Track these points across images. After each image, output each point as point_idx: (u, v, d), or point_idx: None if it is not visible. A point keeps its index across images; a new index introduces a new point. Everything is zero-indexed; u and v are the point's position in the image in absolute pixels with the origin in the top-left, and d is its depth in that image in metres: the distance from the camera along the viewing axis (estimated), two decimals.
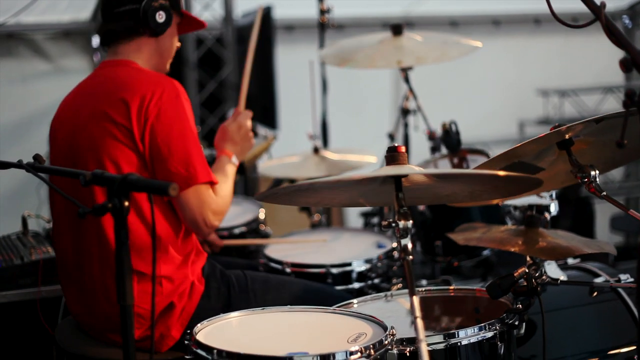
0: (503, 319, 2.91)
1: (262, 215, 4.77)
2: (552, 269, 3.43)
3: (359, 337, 2.73)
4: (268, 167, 5.21)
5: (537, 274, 3.08)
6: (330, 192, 2.83)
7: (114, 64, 3.44)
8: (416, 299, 2.44)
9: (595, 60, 9.20)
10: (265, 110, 7.46)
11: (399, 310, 3.21)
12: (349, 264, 3.97)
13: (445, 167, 4.55)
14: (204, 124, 7.66)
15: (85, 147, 3.28)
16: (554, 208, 3.49)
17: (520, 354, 3.19)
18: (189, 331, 2.79)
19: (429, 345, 2.74)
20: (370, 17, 8.39)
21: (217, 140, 3.76)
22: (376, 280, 4.00)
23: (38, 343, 3.89)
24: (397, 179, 2.63)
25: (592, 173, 2.87)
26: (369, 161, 4.87)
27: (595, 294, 3.27)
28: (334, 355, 2.55)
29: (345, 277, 3.95)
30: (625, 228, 7.64)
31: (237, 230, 4.64)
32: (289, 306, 3.08)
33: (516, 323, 2.94)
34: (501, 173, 2.57)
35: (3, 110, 7.29)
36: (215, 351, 2.61)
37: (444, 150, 4.62)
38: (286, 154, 5.12)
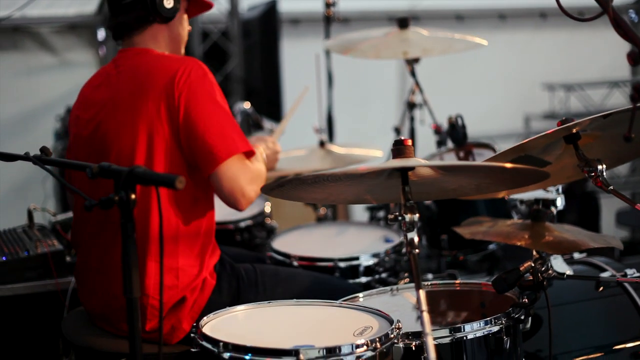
0: (509, 313, 2.90)
1: (267, 209, 4.78)
2: (558, 263, 3.43)
3: (365, 330, 2.74)
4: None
5: (543, 268, 3.07)
6: (336, 188, 2.83)
7: (134, 52, 3.45)
8: (422, 293, 2.44)
9: (602, 55, 9.20)
10: (270, 104, 7.46)
11: (404, 304, 3.21)
12: (357, 258, 3.97)
13: (451, 160, 4.54)
14: None
15: (115, 135, 3.30)
16: (560, 202, 3.48)
17: (526, 349, 3.18)
18: (195, 324, 2.79)
19: (434, 339, 2.73)
20: (375, 10, 8.39)
21: (252, 141, 3.78)
22: (383, 275, 4.00)
23: (44, 335, 3.89)
24: (403, 172, 2.63)
25: (599, 167, 2.86)
26: (374, 155, 4.86)
27: (601, 288, 3.27)
28: (339, 348, 2.55)
29: (353, 271, 3.95)
30: (631, 223, 7.62)
31: (242, 224, 4.65)
32: (295, 300, 3.08)
33: (522, 317, 2.93)
34: (508, 165, 2.57)
35: (9, 103, 7.30)
36: (221, 344, 2.61)
37: (450, 144, 4.61)
38: (292, 148, 5.12)
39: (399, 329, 2.71)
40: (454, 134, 4.44)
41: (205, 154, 3.24)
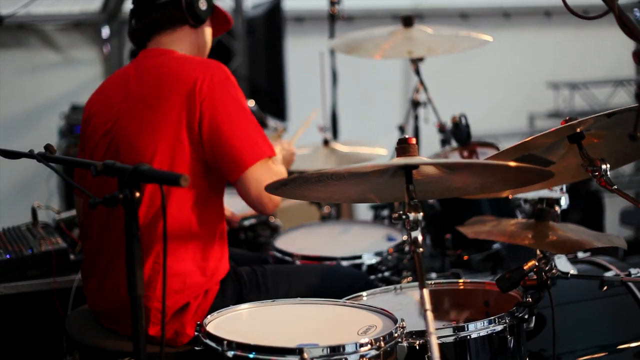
0: (513, 312, 2.90)
1: None
2: (562, 263, 3.42)
3: (369, 329, 2.74)
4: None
5: (547, 268, 3.07)
6: (340, 187, 2.82)
7: (156, 53, 3.46)
8: (426, 292, 2.44)
9: (606, 53, 9.19)
10: (275, 102, 7.46)
11: (408, 303, 3.21)
12: (360, 257, 3.97)
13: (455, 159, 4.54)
14: None
15: (132, 137, 3.30)
16: (564, 201, 3.47)
17: (529, 348, 3.18)
18: (199, 322, 2.79)
19: (438, 338, 2.74)
20: (380, 8, 8.39)
21: None
22: (386, 273, 4.00)
23: (48, 334, 3.89)
24: (407, 171, 2.63)
25: (603, 167, 2.85)
26: (379, 153, 4.86)
27: (605, 288, 3.26)
28: (343, 347, 2.55)
29: (356, 269, 3.95)
30: (635, 222, 7.61)
31: (246, 222, 4.65)
32: (299, 298, 3.08)
33: (526, 316, 2.93)
34: (512, 164, 2.56)
35: (13, 101, 7.31)
36: (225, 342, 2.61)
37: (454, 143, 4.60)
38: (296, 146, 5.12)
39: (403, 327, 2.71)
40: (458, 132, 4.44)
41: (231, 160, 3.25)
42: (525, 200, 3.94)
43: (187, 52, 3.50)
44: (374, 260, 3.98)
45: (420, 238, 2.52)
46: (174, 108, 3.25)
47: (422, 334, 2.75)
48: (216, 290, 3.35)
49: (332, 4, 5.63)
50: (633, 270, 3.31)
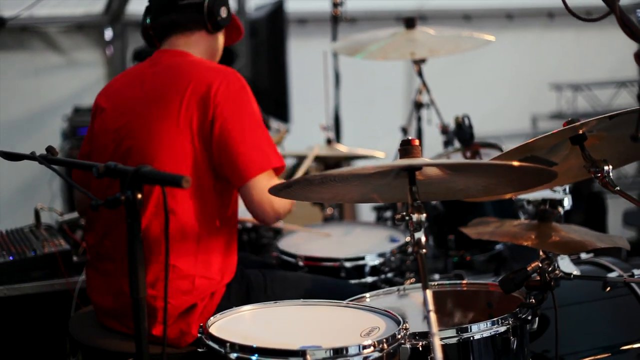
0: (516, 313, 2.90)
1: None
2: (565, 264, 3.43)
3: (372, 331, 2.73)
4: None
5: (550, 269, 3.06)
6: (343, 188, 2.82)
7: (172, 54, 3.47)
8: (429, 293, 2.43)
9: (609, 55, 9.18)
10: (277, 104, 7.45)
11: (411, 305, 3.21)
12: (362, 258, 3.97)
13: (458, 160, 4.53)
14: None
15: (142, 133, 3.31)
16: (567, 202, 3.47)
17: (532, 349, 3.18)
18: (201, 324, 2.79)
19: (441, 339, 2.73)
20: (383, 10, 8.39)
21: None
22: (389, 275, 4.00)
23: (51, 335, 3.89)
24: (411, 172, 2.63)
25: (606, 168, 2.85)
26: (380, 155, 4.86)
27: (608, 289, 3.26)
28: (346, 349, 2.55)
29: (359, 271, 3.95)
30: (638, 223, 7.60)
31: (249, 224, 4.65)
32: (301, 300, 3.08)
33: (529, 318, 2.93)
34: (515, 163, 2.56)
35: (16, 103, 7.31)
36: (227, 344, 2.61)
37: (456, 144, 4.60)
38: (299, 147, 5.12)
39: (406, 329, 2.71)
40: (460, 134, 4.44)
41: (237, 167, 3.27)
42: (528, 202, 3.94)
43: (200, 56, 3.51)
44: (376, 261, 3.98)
45: (423, 239, 2.52)
46: (187, 110, 3.26)
47: (425, 336, 2.75)
48: (223, 292, 3.36)
49: (335, 5, 5.63)
50: (636, 271, 3.31)
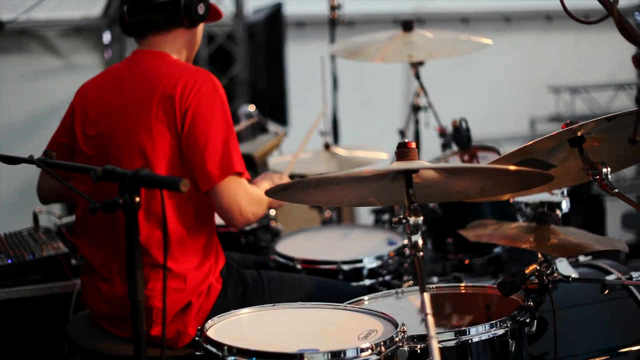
0: (514, 316, 2.90)
1: (273, 212, 4.76)
2: (563, 266, 3.42)
3: (370, 334, 2.73)
4: (279, 163, 5.19)
5: (549, 271, 3.06)
6: (340, 191, 2.83)
7: (150, 55, 3.46)
8: (427, 296, 2.43)
9: (607, 57, 9.18)
10: (275, 107, 7.46)
11: (409, 308, 3.20)
12: (360, 261, 3.97)
13: (455, 163, 4.53)
14: None
15: (120, 138, 3.31)
16: (565, 205, 3.47)
17: (531, 352, 3.18)
18: (199, 327, 2.79)
19: (439, 342, 2.73)
20: (380, 13, 8.39)
21: (257, 179, 3.78)
22: (387, 277, 4.00)
23: (50, 338, 3.89)
24: (407, 175, 2.63)
25: (604, 170, 2.85)
26: (380, 157, 4.85)
27: (606, 291, 3.26)
28: (344, 352, 2.56)
29: (357, 273, 3.95)
30: (636, 226, 7.61)
31: (247, 227, 4.64)
32: (299, 302, 3.08)
33: (527, 320, 2.93)
34: (512, 167, 2.57)
35: (14, 106, 7.31)
36: (225, 347, 2.61)
37: (454, 147, 4.60)
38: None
39: (404, 332, 2.71)
40: (458, 137, 4.44)
41: (203, 171, 3.26)
42: (527, 204, 3.93)
43: (180, 52, 3.50)
44: (374, 264, 3.98)
45: (420, 242, 2.52)
46: (159, 112, 3.26)
47: (423, 338, 2.75)
48: (218, 290, 3.36)
49: (333, 9, 5.64)
50: (634, 274, 3.31)
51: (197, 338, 2.76)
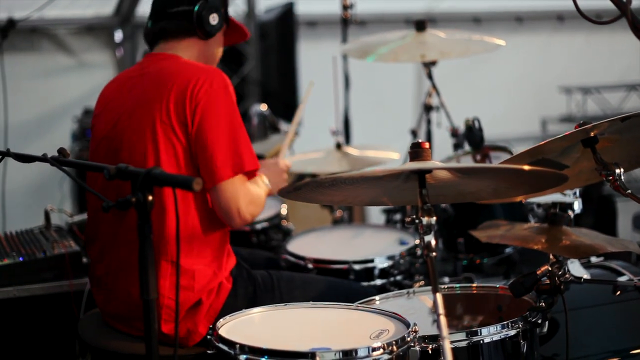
0: (526, 317, 2.90)
1: (284, 211, 4.77)
2: (575, 267, 3.42)
3: (382, 333, 2.73)
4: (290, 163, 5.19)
5: (561, 272, 3.06)
6: (353, 190, 2.82)
7: (161, 57, 3.48)
8: (439, 296, 2.43)
9: (619, 58, 9.17)
10: (287, 106, 7.46)
11: (421, 308, 3.20)
12: (372, 261, 3.97)
13: (468, 163, 4.52)
14: None
15: (131, 137, 3.32)
16: (577, 206, 3.46)
17: (542, 353, 3.17)
18: (211, 326, 2.80)
19: (451, 342, 2.73)
20: (392, 13, 8.40)
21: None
22: (398, 277, 3.99)
23: (61, 336, 3.90)
24: (421, 175, 2.62)
25: (617, 171, 2.84)
26: (391, 157, 4.85)
27: (618, 292, 3.25)
28: (356, 351, 2.56)
29: (368, 273, 3.95)
30: None
31: (258, 226, 4.65)
32: (311, 302, 3.08)
33: (539, 321, 2.92)
34: (526, 167, 2.56)
35: (26, 105, 7.33)
36: (237, 346, 2.61)
37: (466, 147, 4.59)
38: (308, 150, 5.12)
39: (416, 332, 2.71)
40: (470, 136, 4.42)
41: (209, 168, 3.27)
42: (539, 205, 3.92)
43: (192, 60, 3.51)
44: (386, 264, 3.97)
45: (433, 242, 2.52)
46: (170, 110, 3.26)
47: (435, 339, 2.75)
48: (228, 289, 3.36)
49: (345, 8, 5.63)
50: None
51: (208, 336, 2.76)
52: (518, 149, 3.11)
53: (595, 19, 2.55)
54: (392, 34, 4.83)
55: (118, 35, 7.83)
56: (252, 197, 3.39)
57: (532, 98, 9.21)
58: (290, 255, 4.08)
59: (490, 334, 2.83)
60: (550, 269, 3.01)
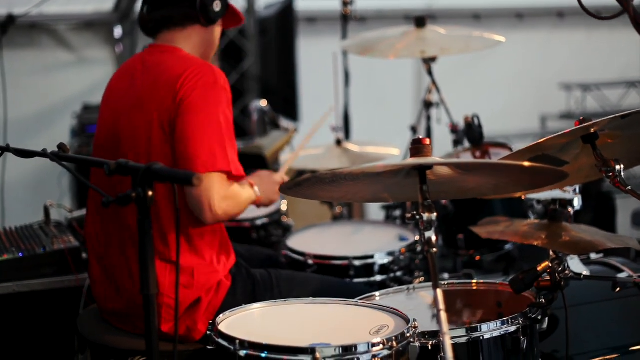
0: (526, 313, 2.90)
1: (284, 207, 4.77)
2: (574, 264, 3.42)
3: (381, 329, 2.73)
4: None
5: (561, 269, 3.06)
6: (353, 187, 2.82)
7: (162, 49, 3.47)
8: (440, 292, 2.43)
9: (619, 55, 9.17)
10: (286, 102, 7.46)
11: (420, 304, 3.21)
12: (372, 257, 3.97)
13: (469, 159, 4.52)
14: None
15: (126, 133, 3.33)
16: (577, 202, 3.46)
17: (542, 349, 3.17)
18: (211, 321, 2.80)
19: (451, 338, 2.73)
20: (392, 9, 8.39)
21: (251, 176, 3.72)
22: (398, 273, 3.99)
23: (60, 332, 3.90)
24: (421, 171, 2.62)
25: (617, 167, 2.84)
26: (391, 153, 4.85)
27: (618, 289, 3.25)
28: (356, 346, 2.56)
29: (368, 269, 3.95)
30: None
31: (259, 222, 4.64)
32: (311, 298, 3.08)
33: (539, 317, 2.93)
34: (526, 164, 2.56)
35: (26, 101, 7.32)
36: (237, 341, 2.62)
37: (466, 143, 4.59)
38: (308, 146, 5.12)
39: (416, 328, 2.71)
40: (470, 133, 4.43)
41: (182, 160, 3.23)
42: (538, 201, 3.93)
43: (194, 49, 3.50)
44: (386, 260, 3.97)
45: (434, 238, 2.52)
46: (162, 104, 3.26)
47: (435, 335, 2.75)
48: (227, 287, 3.36)
49: (345, 4, 5.63)
50: None
51: (208, 332, 2.76)
52: (517, 146, 3.11)
53: (597, 15, 2.55)
54: (392, 30, 4.83)
55: (118, 31, 7.82)
56: (227, 194, 3.31)
57: (532, 94, 9.21)
58: (291, 252, 4.08)
59: (490, 330, 2.83)
60: (550, 265, 3.01)
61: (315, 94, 7.06)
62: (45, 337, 3.93)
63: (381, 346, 2.58)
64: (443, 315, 2.39)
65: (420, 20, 4.68)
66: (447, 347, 2.35)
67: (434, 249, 2.51)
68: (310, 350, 2.53)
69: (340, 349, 2.54)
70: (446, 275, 4.19)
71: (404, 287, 3.31)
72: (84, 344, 3.42)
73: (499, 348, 2.86)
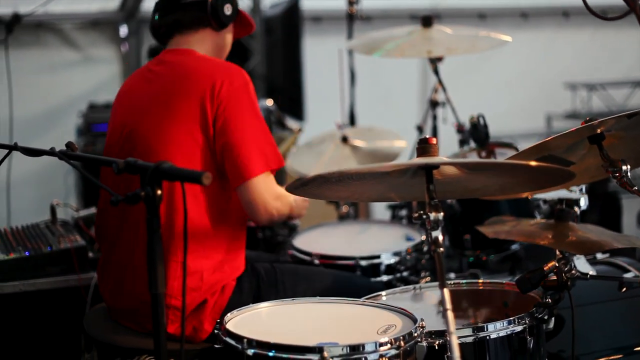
0: (532, 313, 2.90)
1: None
2: (581, 264, 3.42)
3: (389, 328, 2.74)
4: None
5: (567, 269, 3.06)
6: (361, 186, 2.82)
7: (178, 52, 3.49)
8: (447, 292, 2.43)
9: (624, 54, 9.17)
10: (292, 101, 7.46)
11: (427, 304, 3.21)
12: (378, 257, 3.97)
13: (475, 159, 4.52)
14: None
15: (145, 134, 3.33)
16: (583, 202, 3.46)
17: (548, 349, 3.17)
18: (218, 320, 2.80)
19: (458, 338, 2.73)
20: (398, 8, 8.40)
21: None
22: (405, 273, 3.99)
23: (67, 331, 3.90)
24: (428, 170, 2.62)
25: (624, 167, 2.84)
26: (398, 145, 4.84)
27: (624, 289, 3.25)
28: (363, 346, 2.56)
29: (374, 269, 3.95)
30: None
31: None
32: (318, 297, 3.08)
33: (545, 317, 2.93)
34: (533, 163, 2.55)
35: (32, 99, 7.33)
36: (245, 340, 2.62)
37: (472, 143, 4.59)
38: (313, 144, 5.11)
39: (423, 327, 2.71)
40: (475, 133, 4.42)
41: (237, 166, 3.27)
42: (545, 201, 3.92)
43: (207, 53, 3.51)
44: (392, 260, 3.98)
45: (440, 238, 2.52)
46: (190, 108, 3.27)
47: (442, 334, 2.76)
48: (233, 287, 3.36)
49: (351, 3, 5.63)
50: None
51: (216, 331, 2.76)
52: (523, 145, 3.11)
53: (603, 15, 2.55)
54: (398, 29, 4.83)
55: (123, 30, 7.83)
56: (277, 193, 3.40)
57: (537, 94, 9.21)
58: (297, 251, 4.08)
59: (496, 329, 2.83)
60: (557, 265, 3.02)
61: (321, 94, 7.07)
62: (52, 336, 3.94)
63: (389, 345, 2.58)
64: (450, 315, 2.39)
65: (427, 20, 4.67)
66: (454, 346, 2.35)
67: (441, 249, 2.51)
68: (317, 350, 2.53)
69: (348, 348, 2.54)
70: (452, 275, 4.18)
71: (411, 286, 3.31)
72: (91, 342, 3.42)
73: (506, 348, 2.86)
